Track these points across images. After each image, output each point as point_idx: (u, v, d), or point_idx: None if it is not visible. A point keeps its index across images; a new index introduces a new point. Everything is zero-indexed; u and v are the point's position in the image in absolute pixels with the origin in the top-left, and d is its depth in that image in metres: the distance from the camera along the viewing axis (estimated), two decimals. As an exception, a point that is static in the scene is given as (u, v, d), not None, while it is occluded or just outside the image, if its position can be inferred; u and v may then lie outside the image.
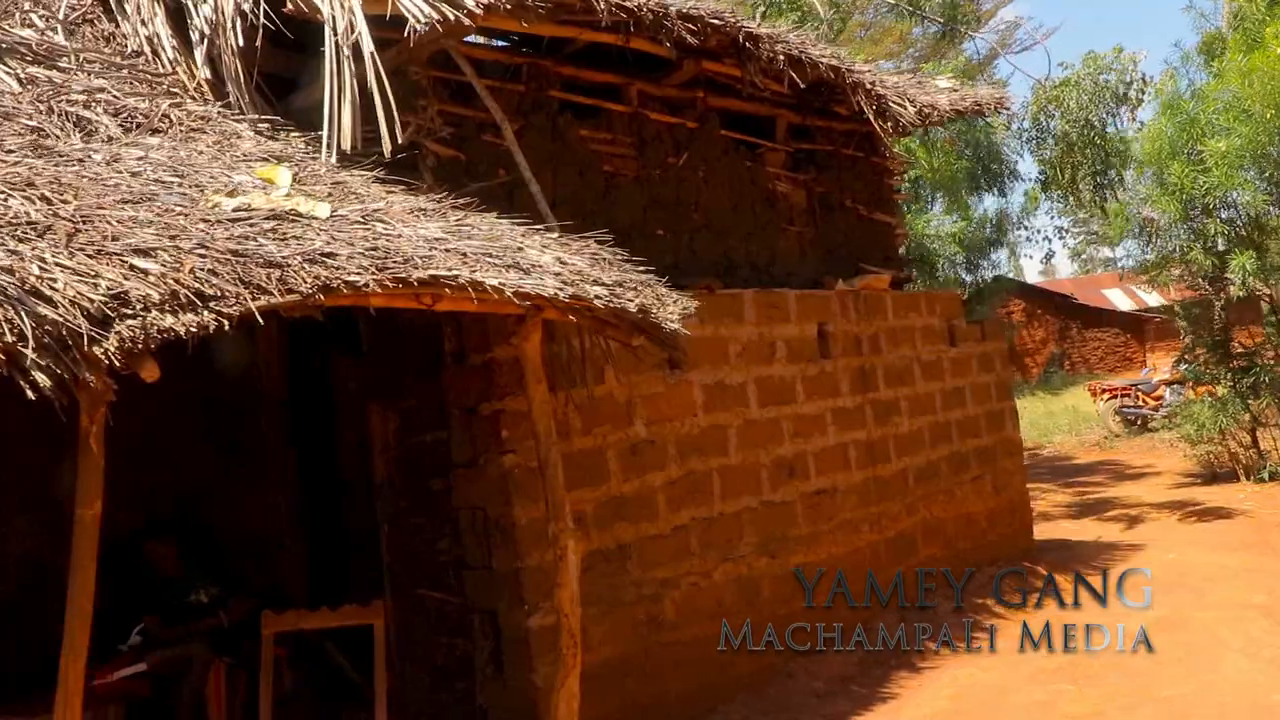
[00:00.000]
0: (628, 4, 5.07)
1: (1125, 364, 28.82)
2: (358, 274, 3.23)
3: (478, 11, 4.44)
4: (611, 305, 3.88)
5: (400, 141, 5.36)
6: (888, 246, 8.28)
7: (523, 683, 4.90)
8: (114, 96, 5.12)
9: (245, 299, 2.90)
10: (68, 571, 2.93)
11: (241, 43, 5.11)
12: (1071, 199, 11.72)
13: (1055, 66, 27.33)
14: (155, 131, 4.78)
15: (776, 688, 5.85)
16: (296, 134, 5.24)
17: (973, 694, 5.74)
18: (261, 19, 5.06)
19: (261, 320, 2.96)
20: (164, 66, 5.58)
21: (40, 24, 5.91)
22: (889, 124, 6.94)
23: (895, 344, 7.42)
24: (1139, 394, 17.23)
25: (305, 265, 3.14)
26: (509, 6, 4.67)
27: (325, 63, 4.71)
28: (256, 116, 5.21)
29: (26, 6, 6.05)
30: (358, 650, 5.72)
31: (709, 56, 6.23)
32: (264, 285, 2.97)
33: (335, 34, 4.67)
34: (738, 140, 6.97)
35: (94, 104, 4.95)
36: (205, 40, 5.32)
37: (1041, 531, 10.48)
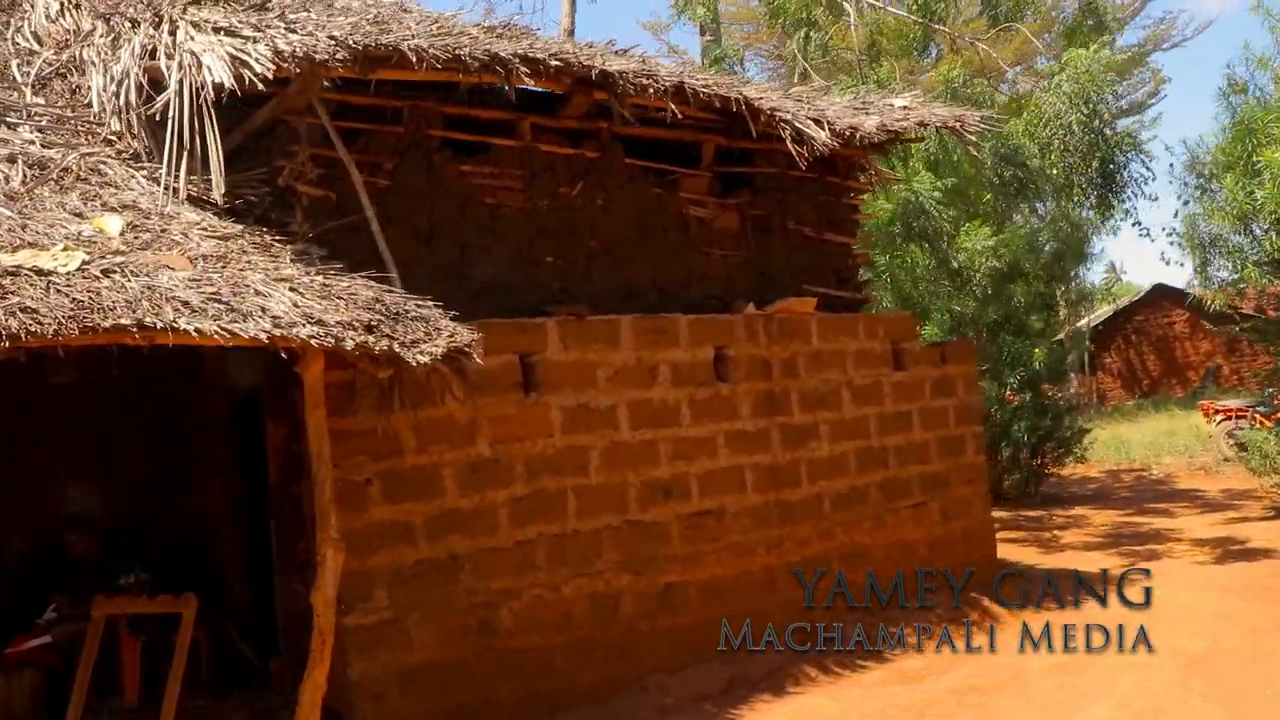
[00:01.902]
0: (457, 51, 5.44)
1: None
2: (51, 324, 3.79)
3: (278, 64, 4.92)
4: (324, 344, 4.29)
5: (281, 183, 6.00)
6: (841, 267, 8.26)
7: (340, 675, 5.38)
8: (38, 149, 5.96)
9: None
10: None
11: (132, 99, 5.83)
12: (1083, 203, 11.13)
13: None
14: (49, 182, 5.54)
15: (625, 700, 6.09)
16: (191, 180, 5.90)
17: (802, 723, 5.80)
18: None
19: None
20: (108, 120, 6.38)
21: (20, 78, 6.87)
22: (804, 149, 6.96)
23: (819, 368, 7.43)
24: (1256, 416, 15.95)
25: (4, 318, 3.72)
26: (340, 58, 5.13)
27: (169, 122, 5.33)
28: (155, 165, 5.91)
29: (15, 64, 7.05)
30: (262, 636, 6.41)
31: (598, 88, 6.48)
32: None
33: (180, 96, 5.27)
34: (648, 168, 7.19)
35: (16, 156, 5.77)
36: (118, 98, 6.06)
37: (1044, 560, 10.13)
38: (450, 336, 4.92)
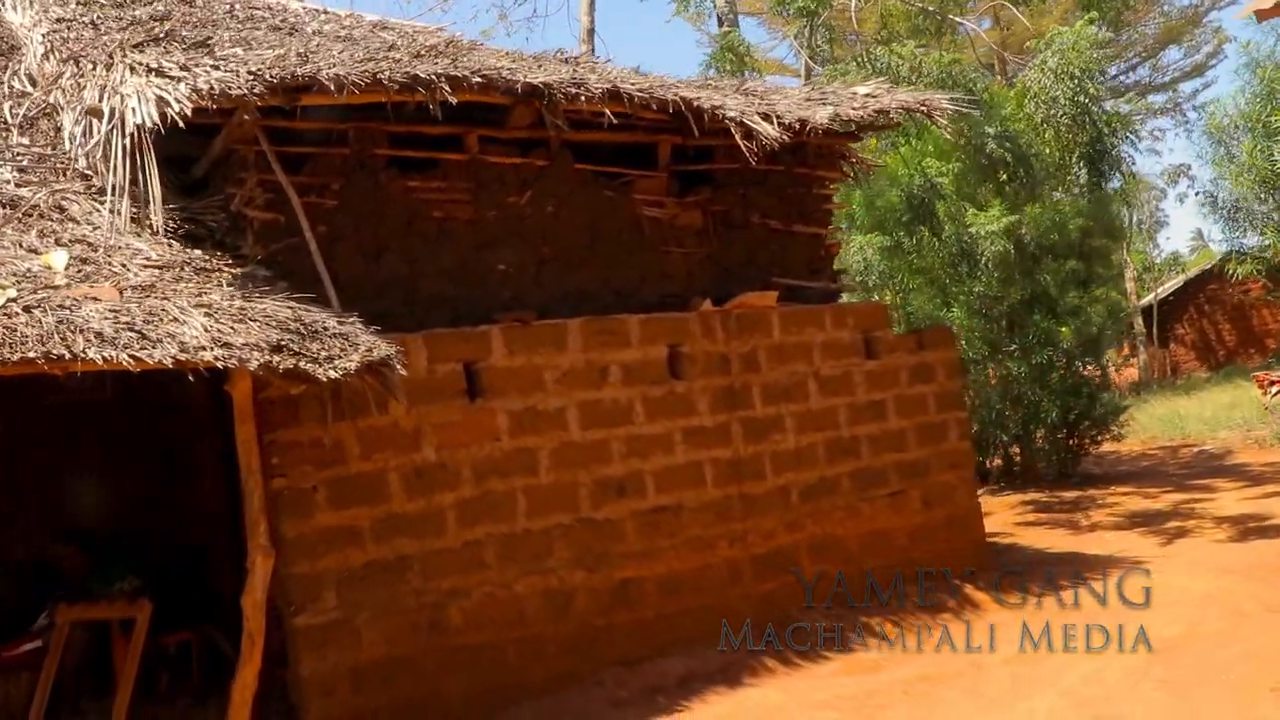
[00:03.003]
0: (377, 75, 5.69)
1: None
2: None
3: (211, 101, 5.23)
4: (229, 365, 4.57)
5: (234, 209, 6.34)
6: (813, 259, 8.29)
7: (293, 673, 5.69)
8: (13, 188, 6.40)
9: None
10: None
11: (85, 138, 6.21)
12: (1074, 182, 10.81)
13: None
14: (14, 220, 5.96)
15: (579, 694, 6.26)
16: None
17: (745, 714, 5.89)
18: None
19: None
20: (76, 157, 6.80)
21: (9, 119, 7.35)
22: (753, 144, 7.03)
23: (781, 360, 7.50)
24: (1310, 386, 15.36)
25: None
26: (257, 91, 5.43)
27: (110, 159, 5.68)
28: (124, 202, 6.29)
29: (7, 105, 7.53)
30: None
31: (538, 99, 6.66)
32: None
33: (117, 133, 5.62)
34: (600, 172, 7.34)
35: (-10, 196, 6.22)
36: (84, 136, 6.46)
37: (1066, 543, 9.98)
38: (367, 351, 5.16)
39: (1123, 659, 6.18)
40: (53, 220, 5.99)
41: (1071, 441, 13.81)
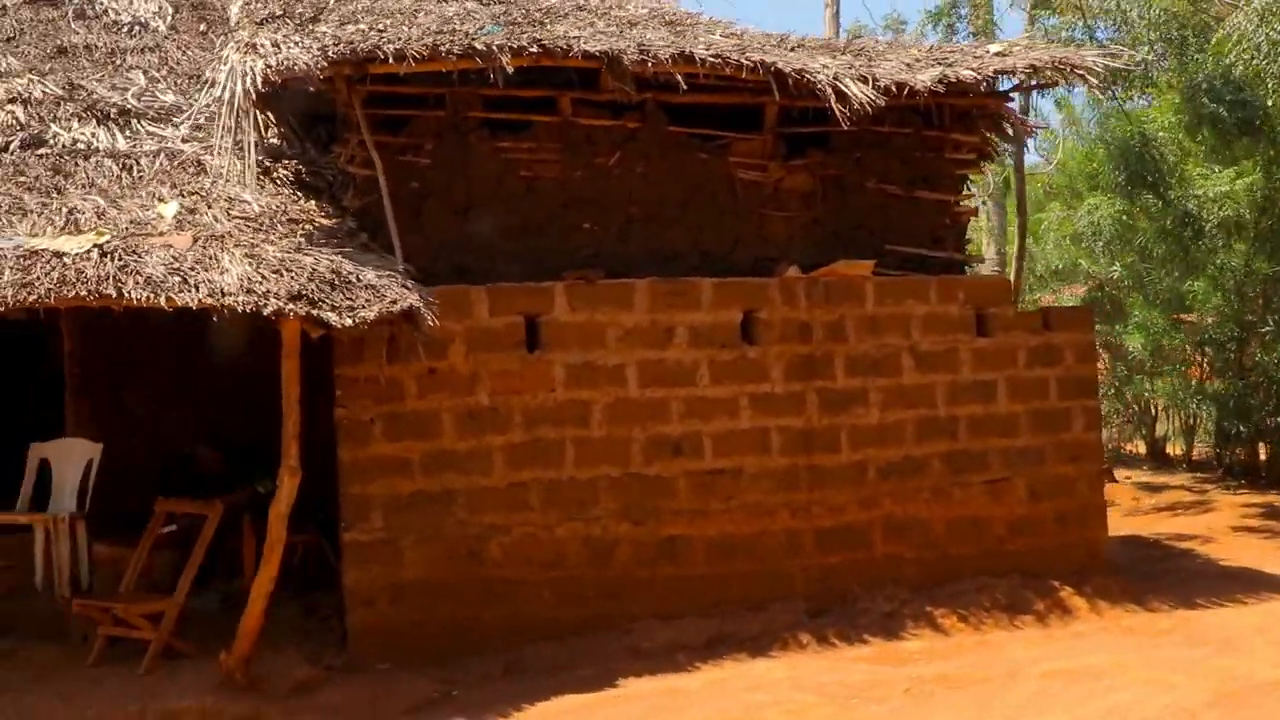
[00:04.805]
0: (437, 46, 6.15)
1: None
2: (42, 289, 5.10)
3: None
4: (246, 309, 5.25)
5: (340, 166, 7.10)
6: (936, 227, 7.83)
7: (346, 578, 6.43)
8: (178, 144, 7.51)
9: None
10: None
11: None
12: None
13: None
14: (161, 173, 7.03)
15: (605, 639, 6.54)
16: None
17: (734, 682, 5.91)
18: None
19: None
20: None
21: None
22: (846, 108, 6.80)
23: (873, 332, 7.24)
24: None
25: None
26: (320, 66, 6.06)
27: (220, 119, 6.52)
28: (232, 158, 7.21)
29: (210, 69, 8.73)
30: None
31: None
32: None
33: (227, 99, 6.44)
34: (696, 134, 7.35)
35: (160, 151, 7.37)
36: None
37: (1249, 555, 8.88)
38: (391, 302, 5.69)
39: (1171, 693, 5.53)
40: (188, 172, 7.00)
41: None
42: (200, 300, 5.25)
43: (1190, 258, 11.84)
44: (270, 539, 5.73)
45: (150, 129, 7.65)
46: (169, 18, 9.22)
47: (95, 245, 5.55)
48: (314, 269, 5.66)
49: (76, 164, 7.03)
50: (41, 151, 7.13)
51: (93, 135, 7.43)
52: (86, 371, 8.10)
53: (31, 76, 8.00)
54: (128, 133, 7.58)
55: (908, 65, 7.06)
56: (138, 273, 5.31)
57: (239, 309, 5.30)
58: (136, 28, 9.04)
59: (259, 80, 5.93)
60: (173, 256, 5.55)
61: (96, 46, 8.70)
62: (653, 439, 6.83)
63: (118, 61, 8.58)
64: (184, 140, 7.54)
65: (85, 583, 7.04)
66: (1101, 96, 7.92)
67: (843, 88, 6.74)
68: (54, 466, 7.43)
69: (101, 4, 9.22)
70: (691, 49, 6.57)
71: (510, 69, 6.26)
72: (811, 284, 7.16)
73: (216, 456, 7.89)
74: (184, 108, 8.02)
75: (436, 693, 5.96)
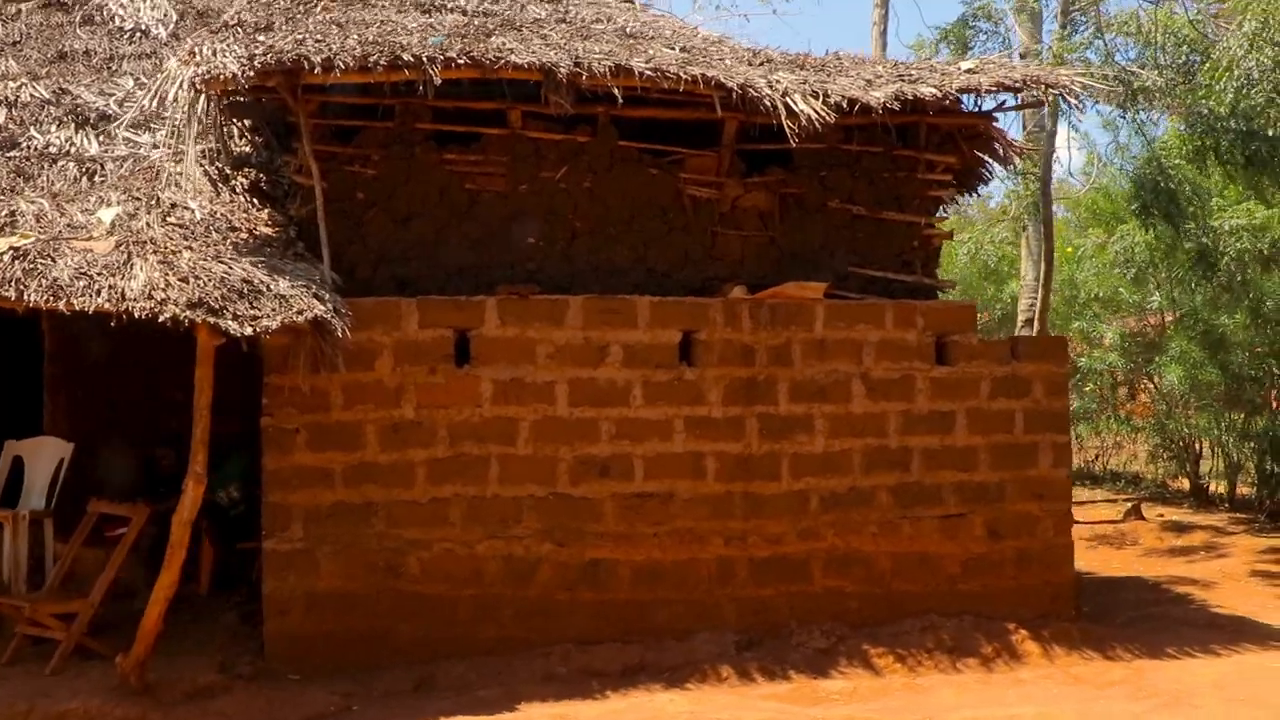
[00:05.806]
0: (365, 56, 6.14)
1: None
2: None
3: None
4: (144, 314, 5.29)
5: (286, 175, 7.17)
6: (905, 250, 7.52)
7: (265, 586, 6.44)
8: (144, 150, 7.66)
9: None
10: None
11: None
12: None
13: None
14: (118, 177, 7.18)
15: (519, 661, 6.42)
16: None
17: (630, 713, 5.73)
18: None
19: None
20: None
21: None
22: (796, 125, 6.58)
23: (821, 357, 6.98)
24: None
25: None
26: (247, 75, 6.09)
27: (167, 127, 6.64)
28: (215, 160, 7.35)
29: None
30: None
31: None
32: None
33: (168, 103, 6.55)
34: (648, 149, 7.20)
35: (126, 157, 7.53)
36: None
37: (1254, 602, 8.33)
38: (297, 313, 5.69)
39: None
40: (145, 178, 7.13)
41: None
42: (100, 305, 5.31)
43: (1229, 290, 11.20)
44: (171, 543, 5.76)
45: (127, 134, 7.81)
46: (171, 24, 9.42)
47: (12, 248, 5.67)
48: (224, 277, 5.68)
49: (41, 167, 7.21)
50: (12, 154, 7.34)
51: (67, 140, 7.62)
52: (64, 370, 8.34)
53: (24, 80, 8.26)
54: (103, 138, 7.76)
55: (867, 81, 6.79)
56: (43, 276, 5.40)
57: (137, 314, 5.34)
58: (137, 34, 9.27)
59: (186, 87, 6.00)
60: (86, 261, 5.64)
61: (95, 52, 8.95)
62: (580, 459, 6.69)
63: (113, 67, 8.81)
64: (154, 146, 7.69)
65: (49, 580, 7.21)
66: (1101, 116, 7.45)
67: (790, 104, 6.52)
68: (26, 465, 7.64)
69: (109, 10, 9.49)
70: (629, 62, 6.43)
71: (439, 80, 6.21)
72: (756, 305, 6.94)
73: (171, 455, 8.02)
74: (166, 114, 8.18)
75: (335, 706, 5.92)
